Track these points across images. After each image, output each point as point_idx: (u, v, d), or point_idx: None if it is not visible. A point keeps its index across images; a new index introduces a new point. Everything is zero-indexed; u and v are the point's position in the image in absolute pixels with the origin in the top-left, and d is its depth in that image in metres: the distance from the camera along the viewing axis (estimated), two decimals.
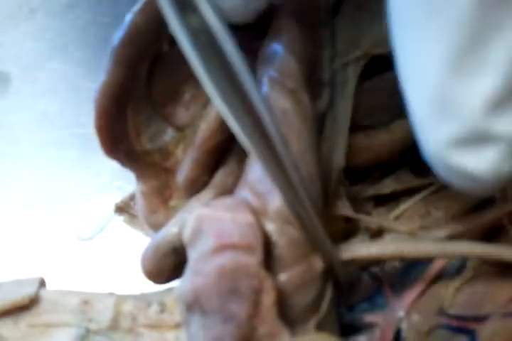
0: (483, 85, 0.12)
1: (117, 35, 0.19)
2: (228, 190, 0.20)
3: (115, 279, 0.27)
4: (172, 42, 0.20)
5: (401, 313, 0.18)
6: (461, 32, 0.12)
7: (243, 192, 0.18)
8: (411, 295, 0.18)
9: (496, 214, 0.19)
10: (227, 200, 0.18)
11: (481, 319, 0.16)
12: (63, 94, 0.33)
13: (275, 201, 0.17)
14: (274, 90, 0.18)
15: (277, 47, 0.19)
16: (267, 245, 0.17)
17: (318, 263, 0.17)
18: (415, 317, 0.17)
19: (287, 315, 0.16)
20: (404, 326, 0.17)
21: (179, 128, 0.21)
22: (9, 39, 0.34)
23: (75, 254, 0.28)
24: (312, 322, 0.17)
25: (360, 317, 0.18)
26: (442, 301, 0.17)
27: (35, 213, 0.30)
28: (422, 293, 0.18)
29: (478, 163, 0.13)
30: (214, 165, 0.21)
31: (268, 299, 0.16)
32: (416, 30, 0.13)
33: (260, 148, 0.14)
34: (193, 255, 0.17)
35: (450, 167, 0.13)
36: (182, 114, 0.21)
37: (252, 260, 0.16)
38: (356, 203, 0.21)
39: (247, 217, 0.17)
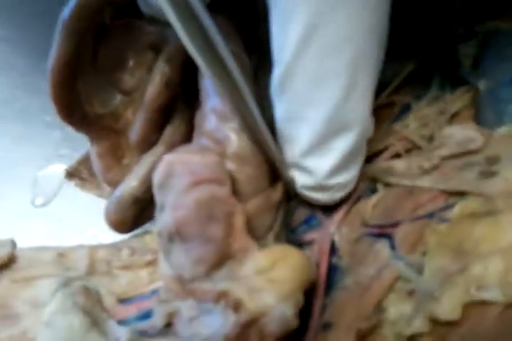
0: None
1: (66, 11, 0.20)
2: (176, 145, 0.23)
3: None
4: (113, 15, 0.22)
5: (333, 229, 0.21)
6: None
7: (202, 140, 0.21)
8: (339, 214, 0.22)
9: None
10: (192, 146, 0.21)
11: (394, 225, 0.20)
12: None
13: (232, 144, 0.20)
14: None
15: None
16: (233, 181, 0.20)
17: (274, 195, 0.21)
18: (344, 230, 0.21)
19: (251, 234, 0.20)
20: (336, 238, 0.21)
21: (127, 93, 0.23)
22: None
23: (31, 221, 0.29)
24: (270, 237, 0.20)
25: (300, 237, 0.22)
26: (364, 215, 0.21)
27: None
28: (348, 211, 0.22)
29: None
30: (162, 124, 0.23)
31: (239, 220, 0.19)
32: None
33: (214, 69, 0.17)
34: (166, 196, 0.19)
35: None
36: (128, 80, 0.23)
37: (224, 190, 0.19)
38: None
39: (213, 157, 0.19)
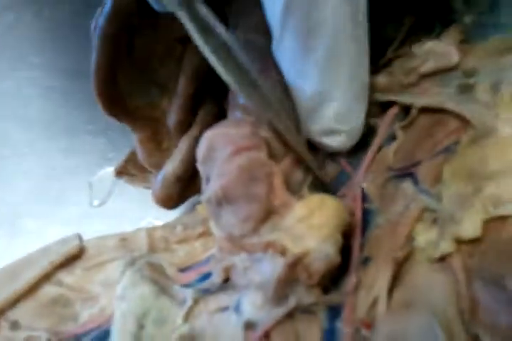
0: None
1: (100, 19, 0.23)
2: (210, 125, 0.24)
3: None
4: (140, 16, 0.25)
5: (361, 178, 0.23)
6: None
7: (237, 114, 0.23)
8: (364, 164, 0.23)
9: None
10: (228, 121, 0.23)
11: (416, 164, 0.22)
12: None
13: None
14: None
15: None
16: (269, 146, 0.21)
17: None
18: (371, 177, 0.23)
19: (289, 190, 0.21)
20: (365, 186, 0.23)
21: (161, 84, 0.26)
22: None
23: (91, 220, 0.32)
24: (305, 190, 0.22)
25: (333, 191, 0.23)
26: (387, 162, 0.23)
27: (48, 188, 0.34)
28: (372, 160, 0.23)
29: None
30: (195, 109, 0.26)
31: (278, 179, 0.21)
32: None
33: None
34: (211, 168, 0.21)
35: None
36: (161, 72, 0.26)
37: (262, 154, 0.21)
38: None
39: (248, 127, 0.21)
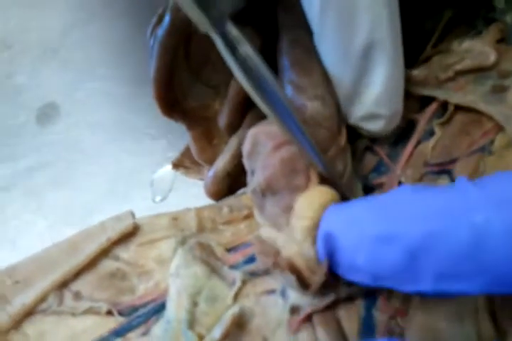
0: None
1: (160, 30, 0.25)
2: None
3: None
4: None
5: (399, 171, 0.24)
6: None
7: None
8: (403, 158, 0.24)
9: None
10: (270, 119, 0.24)
11: (453, 161, 0.23)
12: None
13: (308, 110, 0.23)
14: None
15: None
16: None
17: (341, 139, 0.24)
18: (409, 172, 0.24)
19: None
20: (403, 179, 0.24)
21: (214, 87, 0.27)
22: None
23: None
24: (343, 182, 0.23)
25: (371, 182, 0.25)
26: (425, 156, 0.24)
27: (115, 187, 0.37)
28: (410, 155, 0.24)
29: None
30: (245, 111, 0.28)
31: (314, 172, 0.22)
32: None
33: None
34: (255, 161, 0.22)
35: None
36: (214, 76, 0.27)
37: None
38: None
39: None
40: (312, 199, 0.21)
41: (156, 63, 0.25)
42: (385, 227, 0.17)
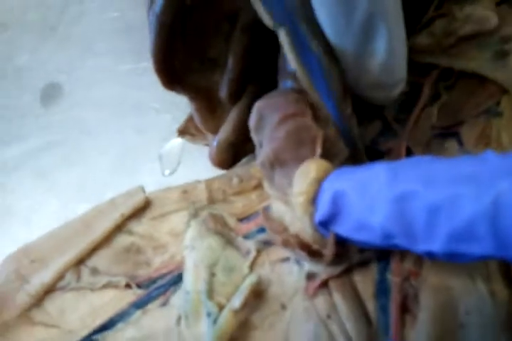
0: None
1: (157, 7, 0.25)
2: (259, 96, 0.25)
3: None
4: None
5: (405, 135, 0.24)
6: None
7: (287, 82, 0.24)
8: (410, 122, 0.25)
9: None
10: (275, 91, 0.24)
11: (459, 123, 0.23)
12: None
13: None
14: None
15: None
16: (314, 110, 0.23)
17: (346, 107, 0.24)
18: (416, 136, 0.24)
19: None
20: (411, 144, 0.24)
21: (212, 60, 0.27)
22: None
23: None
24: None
25: (380, 146, 0.25)
26: (431, 120, 0.24)
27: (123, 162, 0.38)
28: (417, 119, 0.25)
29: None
30: (245, 82, 0.27)
31: (319, 143, 0.22)
32: None
33: None
34: (262, 134, 0.23)
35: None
36: (212, 49, 0.27)
37: (307, 120, 0.22)
38: None
39: (294, 95, 0.23)
40: (306, 174, 0.21)
41: (154, 38, 0.25)
42: (408, 185, 0.17)
